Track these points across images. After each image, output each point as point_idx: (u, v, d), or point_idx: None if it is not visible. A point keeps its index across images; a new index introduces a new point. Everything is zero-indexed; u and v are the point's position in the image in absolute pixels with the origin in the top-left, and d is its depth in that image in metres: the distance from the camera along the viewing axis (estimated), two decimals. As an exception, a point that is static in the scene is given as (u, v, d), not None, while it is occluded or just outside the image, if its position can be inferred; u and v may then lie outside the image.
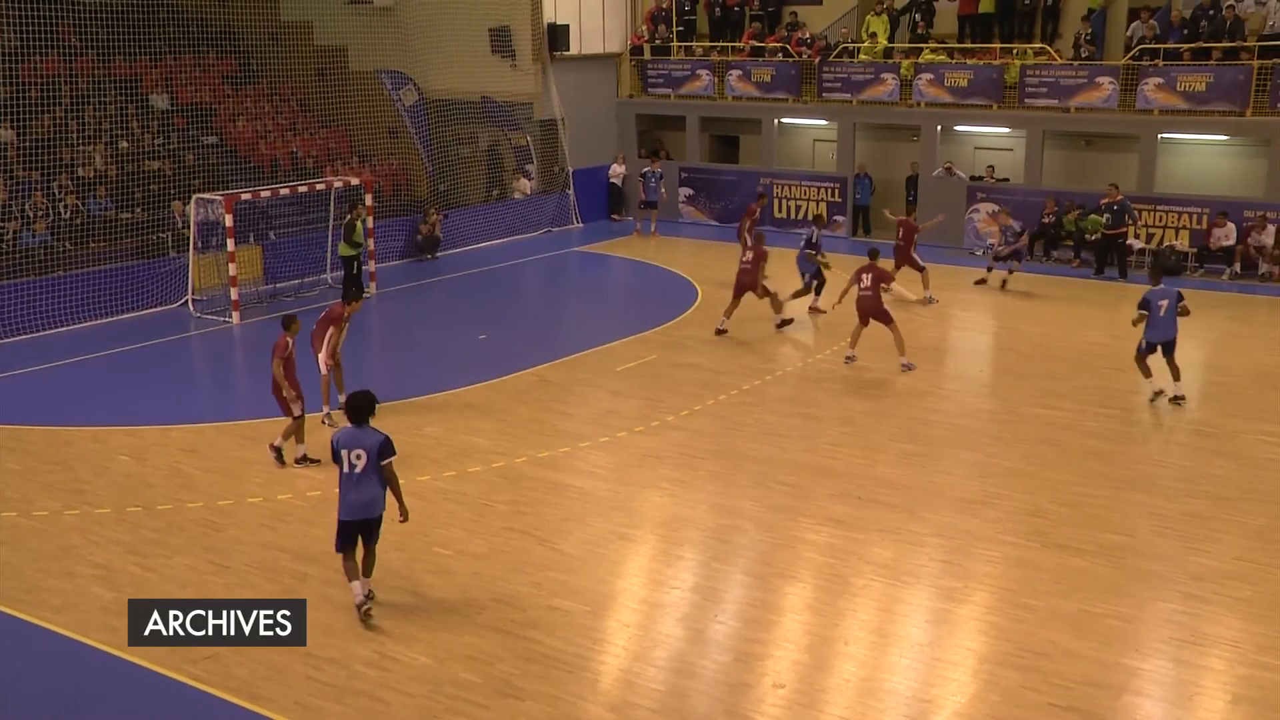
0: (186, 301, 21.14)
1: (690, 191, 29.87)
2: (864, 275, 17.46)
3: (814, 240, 20.65)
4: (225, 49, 28.80)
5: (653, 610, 10.30)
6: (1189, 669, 9.34)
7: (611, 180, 30.48)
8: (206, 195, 21.17)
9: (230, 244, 20.29)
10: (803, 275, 20.71)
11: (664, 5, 30.79)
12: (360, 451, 9.72)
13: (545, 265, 25.72)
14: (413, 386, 15.80)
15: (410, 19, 28.42)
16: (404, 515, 9.99)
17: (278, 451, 13.46)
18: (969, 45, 26.96)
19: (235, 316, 20.29)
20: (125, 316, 20.36)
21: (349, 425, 9.88)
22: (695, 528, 11.98)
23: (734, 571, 11.06)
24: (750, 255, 18.95)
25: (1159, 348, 15.53)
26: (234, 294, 20.33)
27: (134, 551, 11.32)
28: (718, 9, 30.67)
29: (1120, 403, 15.87)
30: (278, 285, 22.27)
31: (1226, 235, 23.37)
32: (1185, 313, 15.52)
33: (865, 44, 27.74)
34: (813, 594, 10.59)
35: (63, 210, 21.76)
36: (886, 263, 19.57)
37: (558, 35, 28.73)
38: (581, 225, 29.65)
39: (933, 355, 18.35)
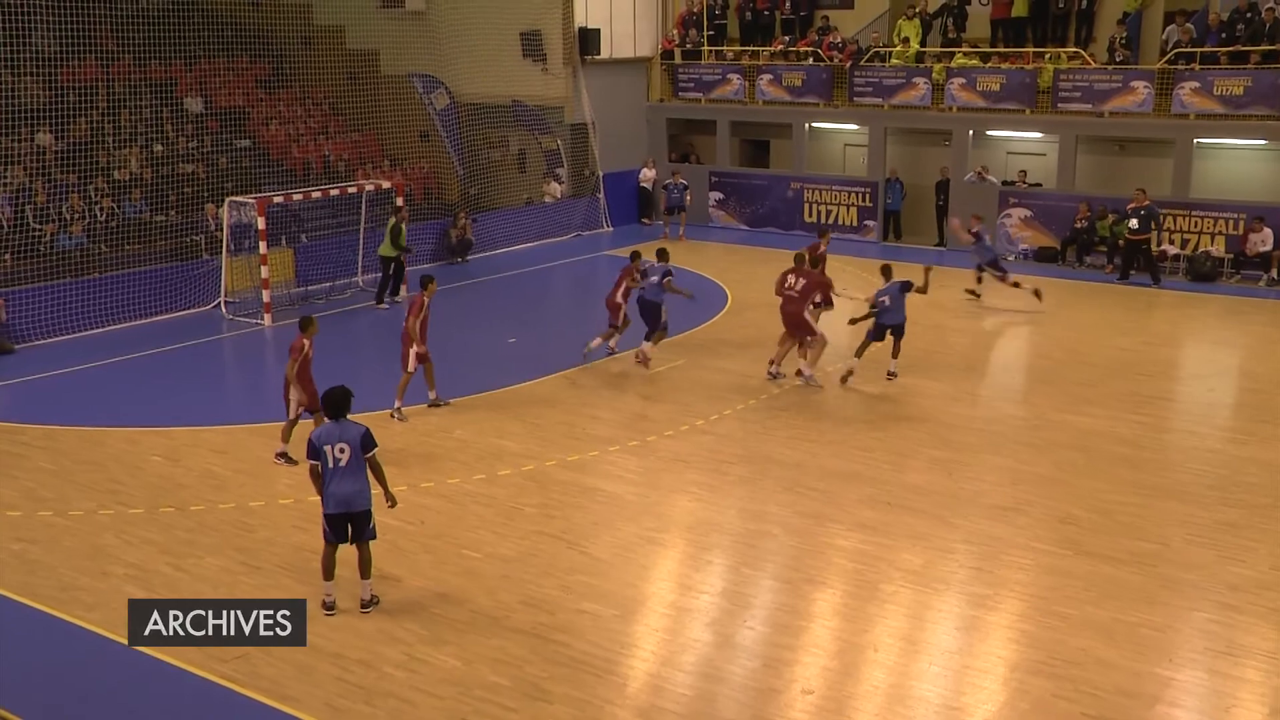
0: (219, 304, 21.31)
1: (720, 196, 29.85)
2: (790, 276, 16.45)
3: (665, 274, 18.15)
4: (259, 53, 29.03)
5: (681, 615, 10.29)
6: (1225, 680, 9.24)
7: (642, 184, 30.51)
8: (239, 198, 21.37)
9: (262, 247, 20.45)
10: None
11: (695, 9, 30.80)
12: (344, 445, 9.85)
13: (575, 269, 25.77)
14: (443, 389, 15.85)
15: (442, 23, 28.56)
16: (391, 502, 10.20)
17: (285, 455, 13.62)
18: (1002, 49, 26.80)
19: (267, 319, 20.45)
20: (159, 318, 20.56)
21: (326, 421, 10.04)
22: (724, 532, 11.96)
23: (763, 577, 11.03)
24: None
25: None
26: (266, 296, 20.49)
27: (166, 551, 11.42)
28: (749, 13, 30.65)
29: (1152, 409, 15.73)
30: (309, 288, 22.43)
31: (1263, 240, 23.13)
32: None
33: (897, 48, 27.65)
34: (842, 600, 10.56)
35: (99, 213, 21.99)
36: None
37: (589, 39, 28.79)
38: (611, 229, 29.69)
39: (963, 361, 18.25)
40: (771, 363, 16.95)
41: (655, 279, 17.38)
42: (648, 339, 17.58)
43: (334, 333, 20.00)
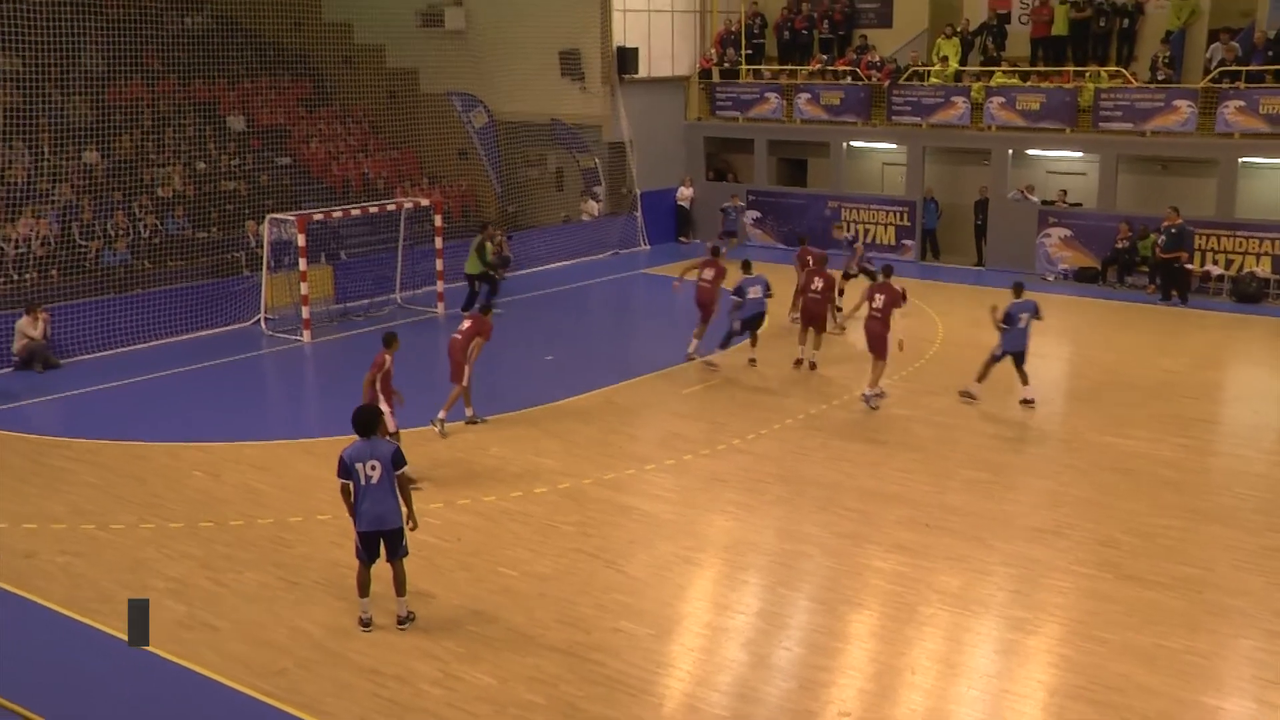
0: (259, 320, 21.54)
1: (758, 214, 29.87)
2: (876, 295, 16.73)
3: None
4: (300, 72, 29.44)
5: (717, 635, 10.27)
6: (1275, 711, 9.09)
7: (679, 203, 30.58)
8: (280, 215, 21.59)
9: (302, 263, 20.66)
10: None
11: (733, 29, 30.90)
12: (375, 462, 9.93)
13: (612, 287, 25.85)
14: (479, 406, 15.94)
15: (481, 41, 28.87)
16: (413, 523, 10.23)
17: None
18: (1042, 68, 26.69)
19: (306, 335, 20.63)
20: (200, 334, 20.79)
21: (356, 439, 10.07)
22: (760, 552, 11.94)
23: (799, 597, 10.99)
24: (821, 284, 18.30)
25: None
26: (305, 313, 20.68)
27: (206, 566, 11.54)
28: (786, 32, 30.72)
29: (1196, 432, 15.56)
30: (348, 304, 22.63)
31: (1309, 261, 22.87)
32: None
33: (936, 67, 27.60)
34: (879, 621, 10.50)
35: (142, 229, 22.32)
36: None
37: (627, 58, 28.94)
38: (649, 247, 29.76)
39: (1002, 382, 18.11)
40: (870, 387, 16.69)
41: (760, 290, 18.11)
42: (753, 342, 18.54)
43: (372, 348, 20.16)
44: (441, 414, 15.23)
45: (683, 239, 30.45)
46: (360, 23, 29.18)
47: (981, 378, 16.56)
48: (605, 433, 15.61)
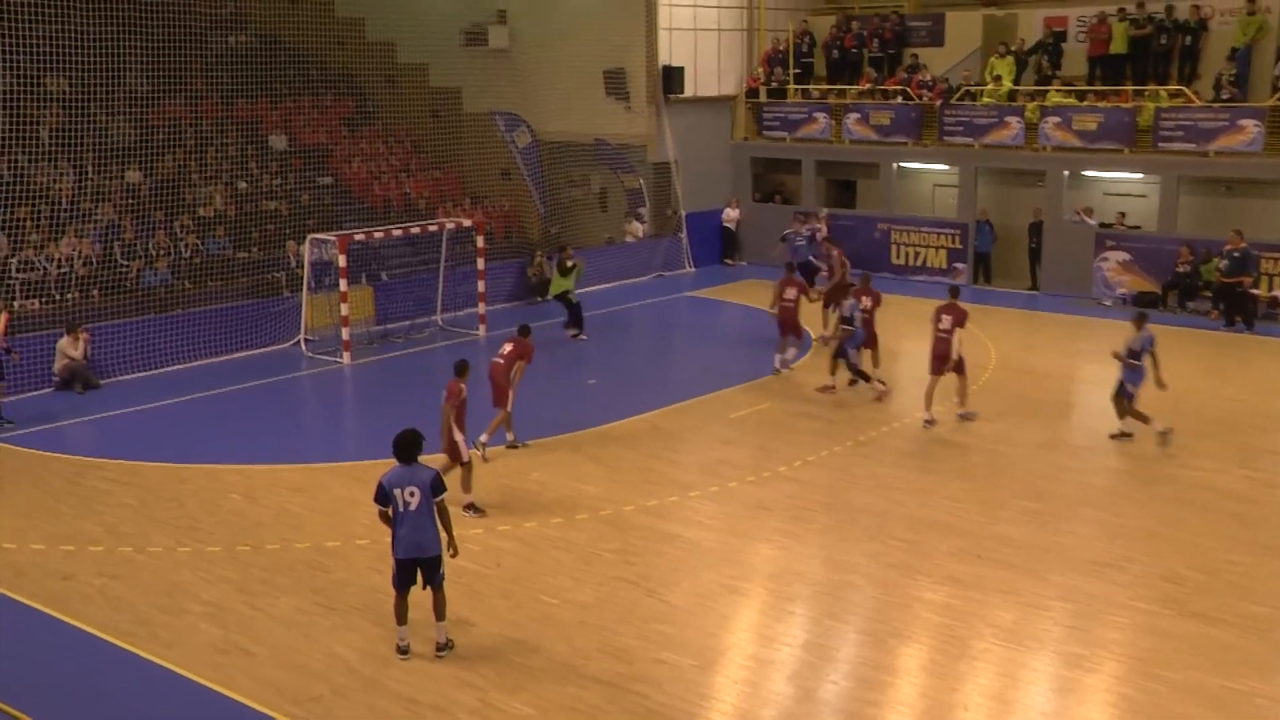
0: (299, 341, 21.75)
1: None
2: (942, 316, 16.84)
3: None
4: (343, 91, 29.81)
5: (762, 667, 10.19)
6: (1341, 753, 8.89)
7: (725, 224, 30.59)
8: (321, 235, 21.83)
9: (343, 284, 20.85)
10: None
11: (780, 47, 30.95)
12: (414, 489, 9.92)
13: (656, 309, 25.86)
14: (520, 431, 15.97)
15: (525, 60, 29.09)
16: (453, 550, 10.19)
17: (474, 507, 13.46)
18: (1099, 87, 26.48)
19: (346, 357, 20.81)
20: (239, 355, 21.03)
21: (397, 464, 10.05)
22: (807, 582, 11.85)
23: (847, 629, 10.89)
24: (869, 303, 18.44)
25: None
26: (345, 334, 20.85)
27: (243, 590, 11.62)
28: (835, 51, 30.73)
29: (1263, 463, 15.29)
30: (388, 326, 22.80)
31: (1382, 287, 22.47)
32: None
33: (989, 86, 27.47)
34: (930, 656, 10.37)
35: (183, 249, 22.64)
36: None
37: (672, 77, 29.06)
38: (694, 270, 29.78)
39: (1058, 408, 17.93)
40: (960, 406, 17.00)
41: (858, 311, 18.17)
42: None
43: (412, 370, 20.32)
44: (484, 438, 15.28)
45: (728, 261, 30.44)
46: (403, 42, 29.50)
47: (1138, 417, 15.90)
48: (648, 458, 15.58)
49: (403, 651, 10.20)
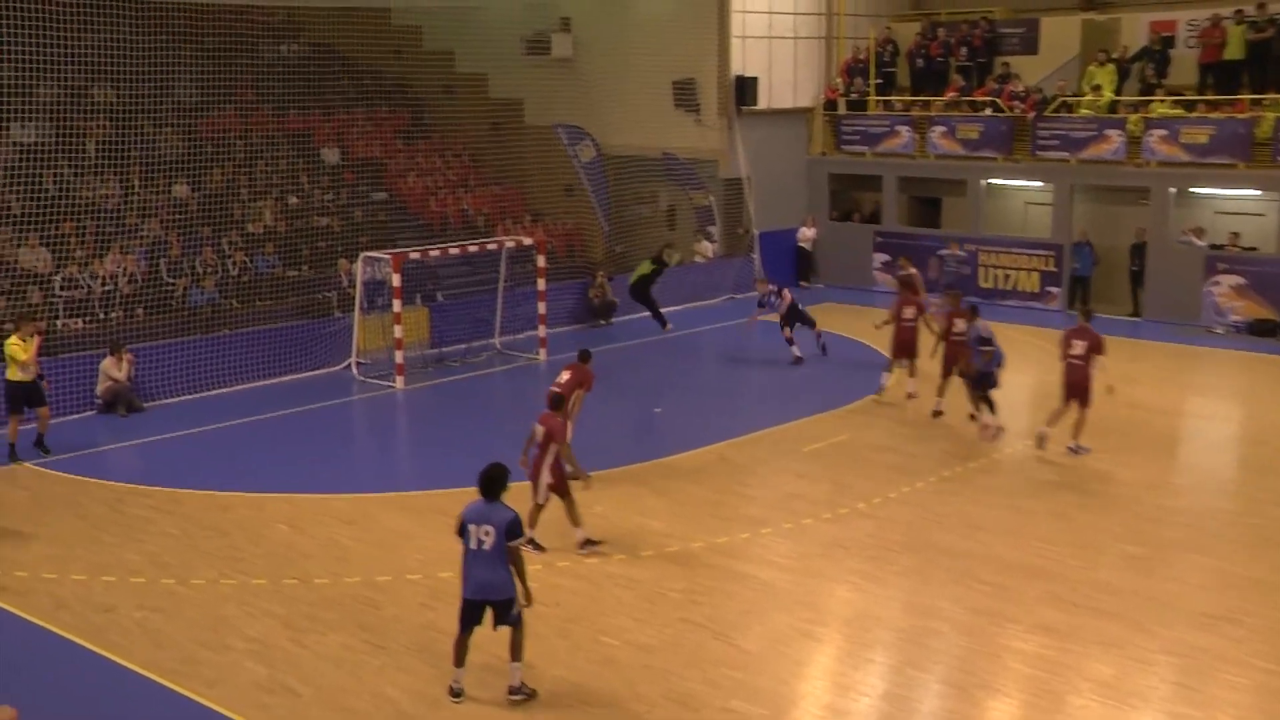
0: (350, 364, 22.02)
1: (886, 257, 29.66)
2: (1073, 341, 16.77)
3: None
4: (399, 102, 30.22)
5: (838, 718, 10.11)
6: None
7: (800, 244, 30.57)
8: (374, 253, 22.11)
9: (396, 305, 21.10)
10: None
11: (861, 56, 30.93)
12: (489, 528, 9.91)
13: (726, 334, 25.83)
14: (581, 461, 15.98)
15: (590, 70, 29.31)
16: (528, 600, 10.17)
17: (589, 542, 13.56)
18: (1211, 97, 26.06)
19: (399, 381, 21.03)
20: (288, 378, 21.32)
21: (479, 499, 10.08)
22: (887, 628, 11.75)
23: (930, 679, 10.77)
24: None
25: None
26: (399, 357, 21.08)
27: (289, 626, 11.75)
28: (920, 60, 30.64)
29: (1390, 507, 14.90)
30: (444, 349, 23.02)
31: None
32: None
33: (1087, 96, 27.20)
34: (1020, 710, 10.22)
35: (231, 267, 23.06)
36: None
37: (746, 88, 29.14)
38: (766, 292, 29.73)
39: (1163, 445, 17.63)
40: (1061, 431, 17.06)
41: (980, 335, 17.78)
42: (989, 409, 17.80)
43: (468, 396, 20.48)
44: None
45: (804, 283, 30.37)
46: (462, 51, 29.85)
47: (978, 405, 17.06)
48: (717, 492, 15.56)
49: (456, 695, 10.24)
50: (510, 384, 21.74)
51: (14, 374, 16.83)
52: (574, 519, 13.50)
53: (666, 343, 24.56)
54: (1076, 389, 16.65)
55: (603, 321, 26.20)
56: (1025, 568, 13.08)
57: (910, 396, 19.47)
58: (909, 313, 19.50)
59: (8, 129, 22.04)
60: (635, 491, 15.54)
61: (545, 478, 13.27)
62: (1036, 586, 12.56)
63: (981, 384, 17.67)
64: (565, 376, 15.49)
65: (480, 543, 9.91)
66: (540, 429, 13.32)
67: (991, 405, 17.66)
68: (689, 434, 17.92)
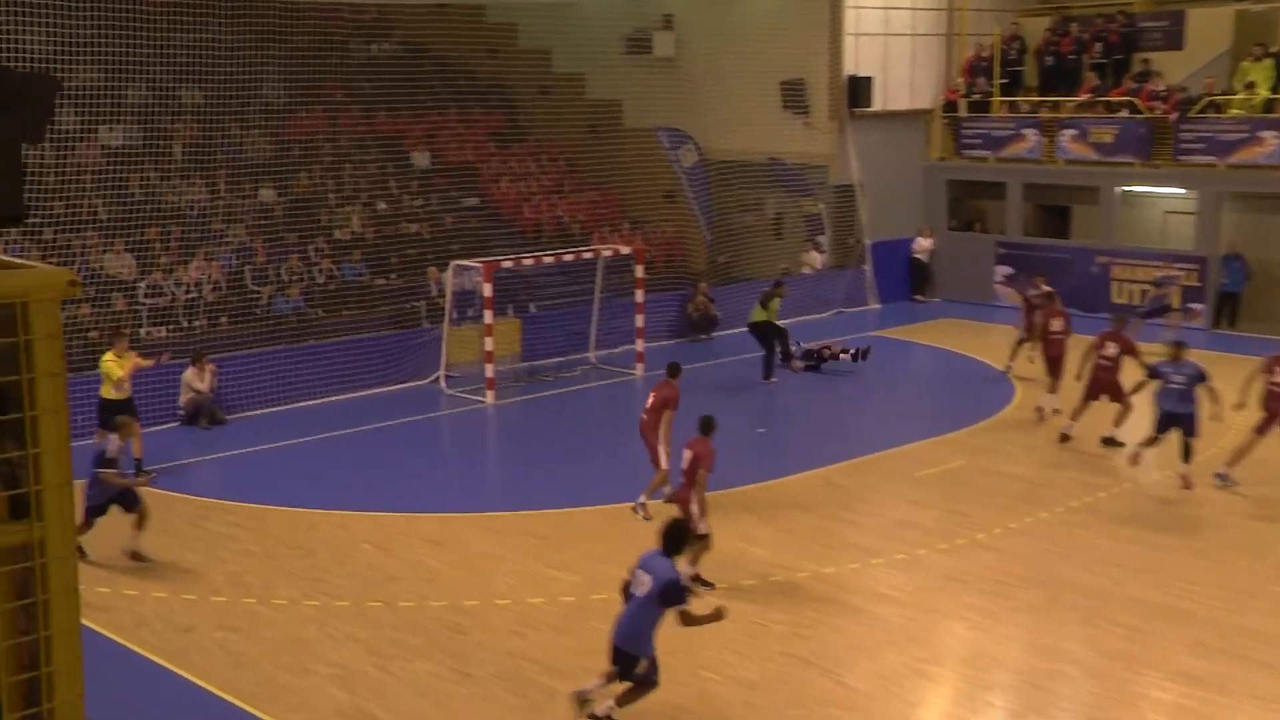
0: (438, 377, 22.30)
1: (1009, 270, 29.24)
2: (1107, 343, 17.50)
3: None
4: (493, 104, 30.58)
5: (955, 766, 9.97)
6: None
7: (916, 255, 30.31)
8: (464, 262, 22.36)
9: (487, 316, 21.32)
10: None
11: (985, 54, 30.59)
12: (647, 578, 9.92)
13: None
14: (677, 482, 16.00)
15: (693, 71, 29.37)
16: (718, 614, 10.11)
17: (699, 579, 13.18)
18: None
19: (489, 396, 21.25)
20: (374, 391, 21.66)
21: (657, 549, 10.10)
22: (1008, 669, 11.56)
23: (1056, 727, 10.57)
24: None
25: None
26: (489, 371, 21.29)
27: (372, 651, 11.92)
28: (1050, 57, 30.17)
29: None
30: (536, 363, 23.20)
31: None
32: None
33: (1239, 95, 26.55)
34: (1157, 764, 9.97)
35: (317, 275, 23.53)
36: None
37: (859, 89, 28.99)
38: (879, 306, 29.57)
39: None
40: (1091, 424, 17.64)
41: (1183, 379, 16.44)
42: (1186, 457, 16.51)
43: (561, 412, 20.61)
44: (643, 498, 15.34)
45: (919, 297, 30.10)
46: (559, 50, 30.13)
47: None
48: (824, 519, 15.47)
49: (582, 702, 10.16)
50: (605, 401, 21.85)
51: (108, 391, 17.05)
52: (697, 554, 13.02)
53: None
54: (1105, 388, 17.67)
55: (703, 336, 26.20)
56: (1164, 609, 12.77)
57: (1041, 413, 19.47)
58: (1057, 325, 19.60)
59: (96, 132, 22.75)
60: (737, 517, 15.48)
61: (695, 508, 12.87)
62: (1177, 630, 12.25)
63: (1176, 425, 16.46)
64: (650, 399, 15.47)
65: (637, 585, 9.99)
66: (687, 454, 13.13)
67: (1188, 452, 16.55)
68: (793, 456, 17.86)
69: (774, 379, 22.54)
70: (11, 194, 3.14)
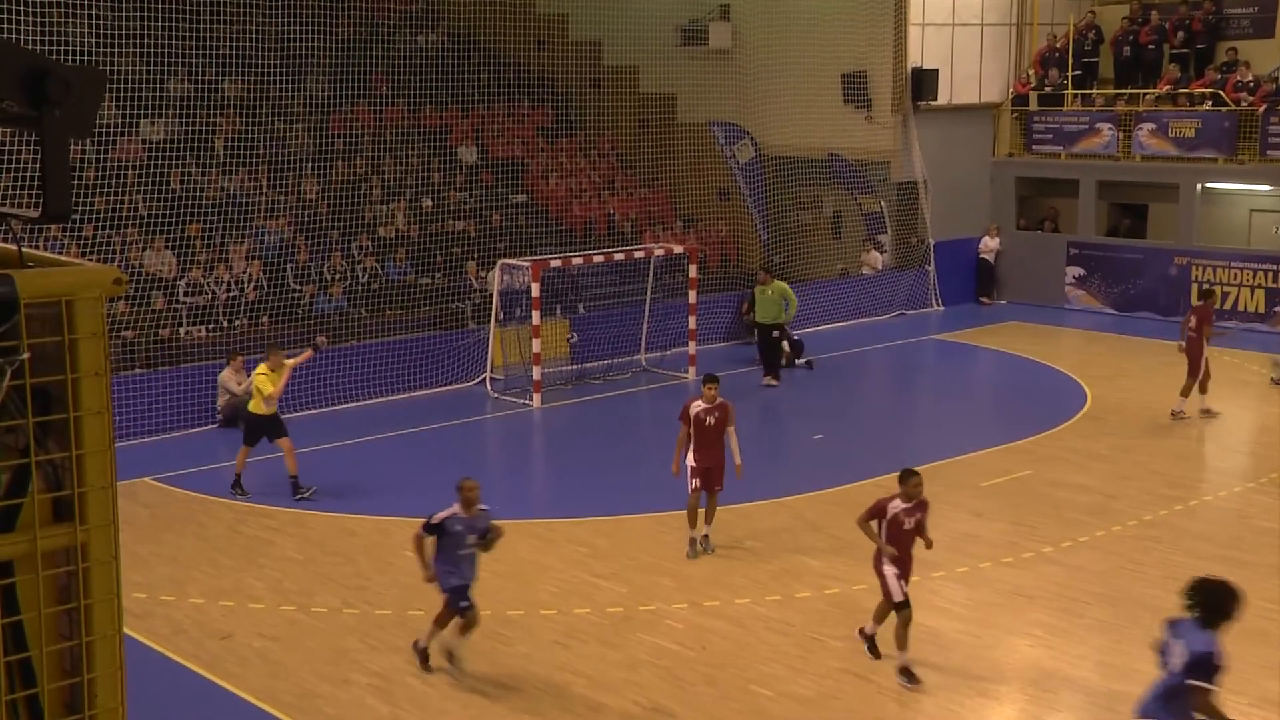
0: (484, 379, 22.44)
1: (1081, 272, 29.08)
2: (1191, 316, 18.71)
3: None
4: (541, 97, 30.74)
5: (1018, 789, 9.94)
6: None
7: (982, 256, 30.16)
8: (512, 260, 22.49)
9: (535, 316, 21.43)
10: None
11: (1058, 45, 30.37)
12: (1179, 647, 8.43)
13: (896, 354, 25.65)
14: (732, 491, 16.03)
15: (749, 63, 29.37)
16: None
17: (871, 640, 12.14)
18: None
19: (536, 399, 21.35)
20: (417, 394, 21.84)
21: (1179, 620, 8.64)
22: (1077, 690, 11.50)
23: (1126, 751, 10.50)
24: (1194, 320, 19.66)
25: None
26: (536, 373, 21.40)
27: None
28: (1127, 47, 29.90)
29: None
30: (585, 365, 23.30)
31: None
32: None
33: (1329, 88, 26.24)
34: (1232, 791, 9.87)
35: (360, 273, 23.75)
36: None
37: (924, 82, 28.87)
38: (942, 308, 29.44)
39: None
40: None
41: None
42: None
43: (610, 416, 20.68)
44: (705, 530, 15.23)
45: (984, 299, 29.94)
46: (611, 41, 30.18)
47: None
48: (884, 531, 15.41)
49: None
50: (656, 405, 21.89)
51: (257, 406, 16.94)
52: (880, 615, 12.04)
53: (830, 363, 24.41)
54: (1190, 358, 19.26)
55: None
56: (1245, 631, 12.48)
57: (1175, 415, 19.94)
58: (1192, 322, 19.85)
59: (137, 126, 23.09)
60: (792, 525, 15.51)
61: (887, 569, 11.56)
62: (1260, 653, 12.10)
63: None
64: (714, 418, 14.66)
65: (1167, 661, 8.60)
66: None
67: None
68: (852, 464, 17.80)
69: (777, 382, 22.62)
70: (61, 191, 3.22)
